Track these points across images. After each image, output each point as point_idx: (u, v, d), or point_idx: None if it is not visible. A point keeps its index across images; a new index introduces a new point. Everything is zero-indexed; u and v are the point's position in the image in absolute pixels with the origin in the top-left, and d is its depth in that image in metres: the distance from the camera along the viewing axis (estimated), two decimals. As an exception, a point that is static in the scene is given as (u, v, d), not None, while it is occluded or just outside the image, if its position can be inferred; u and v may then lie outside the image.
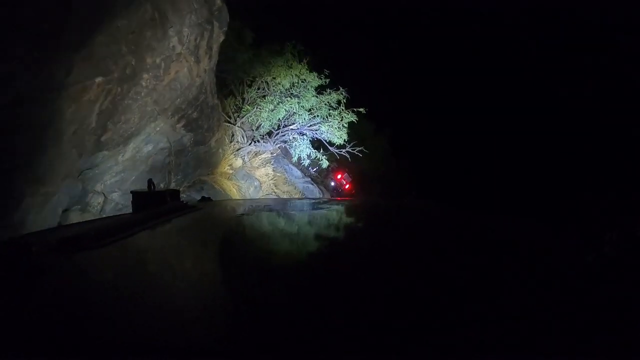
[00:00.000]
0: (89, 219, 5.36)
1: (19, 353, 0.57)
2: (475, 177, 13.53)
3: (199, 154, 6.79)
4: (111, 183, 5.68)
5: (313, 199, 6.63)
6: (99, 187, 5.61)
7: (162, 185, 6.25)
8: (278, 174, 10.32)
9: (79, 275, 0.94)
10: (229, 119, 9.01)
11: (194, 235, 1.46)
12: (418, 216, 2.05)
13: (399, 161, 14.56)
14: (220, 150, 8.35)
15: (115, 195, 5.81)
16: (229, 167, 8.51)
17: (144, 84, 5.04)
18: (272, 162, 9.99)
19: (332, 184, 12.40)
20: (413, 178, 14.40)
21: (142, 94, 5.07)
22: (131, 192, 1.74)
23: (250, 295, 0.81)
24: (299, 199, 7.02)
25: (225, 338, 0.64)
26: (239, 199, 6.65)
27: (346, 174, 12.38)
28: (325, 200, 5.05)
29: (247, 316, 0.70)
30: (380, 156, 13.29)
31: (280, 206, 2.48)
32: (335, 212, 2.21)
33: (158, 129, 5.74)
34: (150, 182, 1.90)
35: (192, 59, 5.69)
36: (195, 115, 6.16)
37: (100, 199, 5.73)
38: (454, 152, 15.03)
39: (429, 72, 15.72)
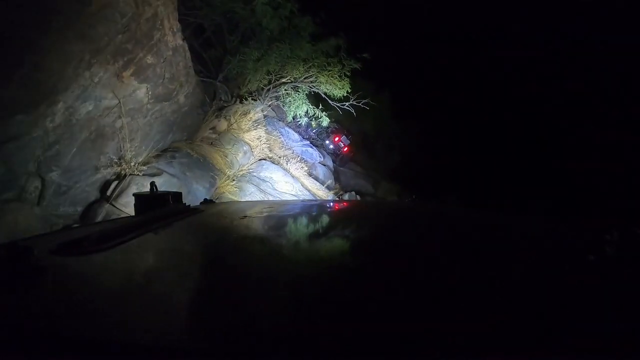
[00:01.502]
0: (24, 209, 3.96)
1: (19, 355, 0.55)
2: (473, 157, 12.14)
3: (164, 114, 5.05)
4: (45, 159, 4.01)
5: (319, 200, 6.13)
6: (31, 167, 3.95)
7: (113, 158, 4.56)
8: (273, 137, 8.60)
9: (80, 279, 0.86)
10: (208, 74, 7.20)
11: (195, 238, 1.38)
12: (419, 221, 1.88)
13: (400, 121, 12.96)
14: (200, 111, 6.60)
15: (53, 176, 4.14)
16: (211, 131, 6.80)
17: (56, 7, 3.25)
18: (264, 124, 8.24)
19: (331, 147, 10.94)
20: (415, 137, 12.96)
21: (55, 24, 3.29)
22: (133, 194, 1.71)
23: (252, 299, 0.75)
24: (303, 200, 5.98)
25: (227, 341, 0.59)
26: (242, 201, 5.77)
27: (344, 136, 10.87)
28: (331, 201, 5.23)
29: (249, 320, 0.66)
30: (382, 116, 11.73)
31: (284, 208, 2.32)
32: (342, 216, 2.15)
33: (96, 79, 4.01)
34: (152, 184, 1.84)
35: (134, -24, 3.87)
36: (149, 59, 4.38)
37: (37, 182, 4.09)
38: (455, 118, 13.33)
39: (434, 30, 13.61)
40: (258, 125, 8.01)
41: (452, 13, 13.59)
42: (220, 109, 6.97)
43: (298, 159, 8.98)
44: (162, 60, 4.52)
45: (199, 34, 7.30)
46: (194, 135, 6.40)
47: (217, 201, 2.93)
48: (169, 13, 4.49)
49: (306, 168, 8.65)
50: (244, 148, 7.08)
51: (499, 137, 12.25)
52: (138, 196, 1.71)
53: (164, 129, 5.29)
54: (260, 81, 7.78)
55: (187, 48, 4.96)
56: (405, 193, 10.61)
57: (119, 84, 4.24)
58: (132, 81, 4.32)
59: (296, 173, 8.01)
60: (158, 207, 1.60)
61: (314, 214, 2.14)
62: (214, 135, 6.76)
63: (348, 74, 7.48)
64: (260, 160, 7.50)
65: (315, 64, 7.53)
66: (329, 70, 7.44)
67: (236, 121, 7.37)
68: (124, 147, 4.68)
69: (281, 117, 9.64)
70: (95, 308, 0.69)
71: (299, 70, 7.52)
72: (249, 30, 7.19)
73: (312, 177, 8.70)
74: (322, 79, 7.44)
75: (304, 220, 1.90)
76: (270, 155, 7.97)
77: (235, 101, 7.23)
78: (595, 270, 0.98)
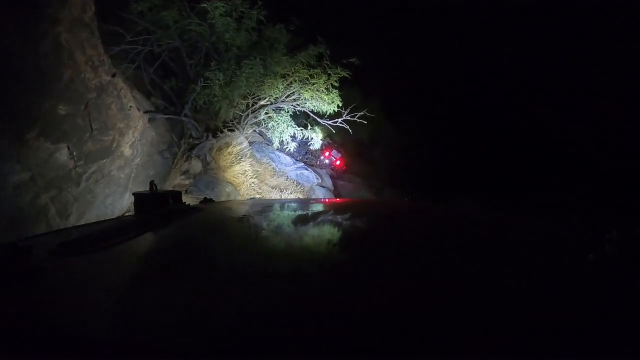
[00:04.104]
0: None
1: (19, 355, 0.53)
2: (468, 159, 11.00)
3: (107, 173, 3.69)
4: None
5: (317, 199, 5.85)
6: None
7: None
8: (260, 168, 7.26)
9: (80, 279, 0.82)
10: (174, 108, 5.83)
11: (195, 237, 1.30)
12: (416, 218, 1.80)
13: (394, 123, 11.70)
14: (166, 155, 5.24)
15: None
16: (183, 177, 5.43)
17: None
18: (251, 153, 6.91)
19: (326, 161, 10.12)
20: (412, 139, 11.65)
21: None
22: (133, 194, 1.62)
23: (252, 298, 0.72)
24: (303, 199, 5.67)
25: (227, 340, 0.57)
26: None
27: (334, 150, 10.14)
28: (330, 199, 5.18)
29: (249, 318, 0.64)
30: (375, 121, 10.71)
31: (284, 206, 2.19)
32: (341, 214, 1.96)
33: (-16, 150, 2.65)
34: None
35: None
36: (62, 109, 3.02)
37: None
38: (451, 115, 12.06)
39: (416, 26, 12.28)
40: (241, 157, 6.68)
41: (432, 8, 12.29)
42: (192, 148, 5.60)
43: (294, 186, 7.70)
44: (82, 107, 3.16)
45: (151, 60, 5.96)
46: (161, 185, 5.05)
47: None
48: (83, 41, 3.14)
49: (302, 197, 7.31)
50: (227, 189, 5.73)
51: (499, 132, 11.06)
52: (138, 195, 1.62)
53: (114, 190, 3.93)
54: (237, 107, 6.44)
55: (121, 84, 3.60)
56: (411, 198, 9.64)
57: (25, 151, 2.90)
58: (43, 143, 2.96)
59: (292, 206, 6.67)
60: (157, 206, 1.54)
61: (313, 212, 2.01)
62: (187, 181, 5.41)
63: (336, 84, 6.13)
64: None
65: (296, 78, 6.18)
66: (313, 84, 6.09)
67: (214, 159, 6.02)
68: (56, 227, 3.34)
69: (270, 141, 8.34)
70: (95, 308, 0.66)
71: (278, 88, 6.17)
72: (213, 51, 5.83)
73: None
74: (306, 95, 6.08)
75: (303, 218, 1.76)
76: (259, 191, 6.62)
77: (207, 136, 5.84)
78: (595, 271, 0.94)
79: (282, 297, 0.72)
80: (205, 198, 2.07)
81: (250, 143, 7.69)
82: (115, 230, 1.10)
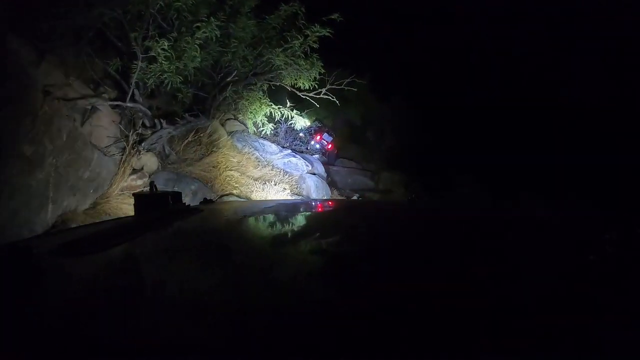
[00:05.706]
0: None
1: (19, 356, 0.51)
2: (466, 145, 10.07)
3: (4, 181, 2.64)
4: None
5: (318, 199, 5.53)
6: None
7: None
8: (242, 158, 6.25)
9: (80, 279, 0.81)
10: (122, 95, 4.73)
11: (195, 238, 1.26)
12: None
13: (386, 101, 11.02)
14: (112, 150, 4.20)
15: None
16: (134, 176, 4.37)
17: None
18: (222, 145, 5.87)
19: (317, 146, 9.44)
20: (406, 116, 10.84)
21: None
22: (133, 194, 1.58)
23: (251, 299, 0.70)
24: (303, 200, 5.35)
25: (226, 341, 0.54)
26: (242, 201, 5.06)
27: (325, 133, 9.42)
28: (331, 200, 5.21)
29: (248, 319, 0.61)
30: (365, 100, 10.13)
31: (284, 208, 2.15)
32: (342, 215, 1.96)
33: None
34: (152, 184, 1.69)
35: None
36: None
37: None
38: (446, 88, 11.08)
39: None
40: (213, 148, 5.64)
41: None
42: (142, 140, 4.52)
43: (281, 176, 6.73)
44: None
45: (100, 44, 4.85)
46: (107, 189, 4.01)
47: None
48: None
49: (289, 189, 6.30)
50: (192, 187, 4.69)
51: (500, 114, 10.21)
52: (138, 196, 1.57)
53: (26, 203, 2.89)
54: (202, 88, 5.37)
55: (24, 54, 2.51)
56: (410, 181, 9.16)
57: None
58: None
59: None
60: (158, 207, 1.51)
61: (313, 213, 1.96)
62: (140, 182, 4.36)
63: (315, 45, 5.03)
64: (221, 197, 5.11)
65: (267, 45, 5.10)
66: (288, 48, 5.00)
67: (175, 152, 4.96)
68: None
69: (245, 125, 7.32)
70: (95, 308, 0.66)
71: (247, 60, 5.09)
72: (161, 20, 4.71)
73: (303, 197, 6.38)
74: (279, 61, 4.96)
75: (303, 219, 1.76)
76: (235, 185, 5.59)
77: (161, 124, 4.74)
78: (595, 271, 0.91)
79: (282, 297, 0.69)
80: (205, 199, 2.04)
81: (230, 133, 6.72)
82: (115, 231, 1.09)
